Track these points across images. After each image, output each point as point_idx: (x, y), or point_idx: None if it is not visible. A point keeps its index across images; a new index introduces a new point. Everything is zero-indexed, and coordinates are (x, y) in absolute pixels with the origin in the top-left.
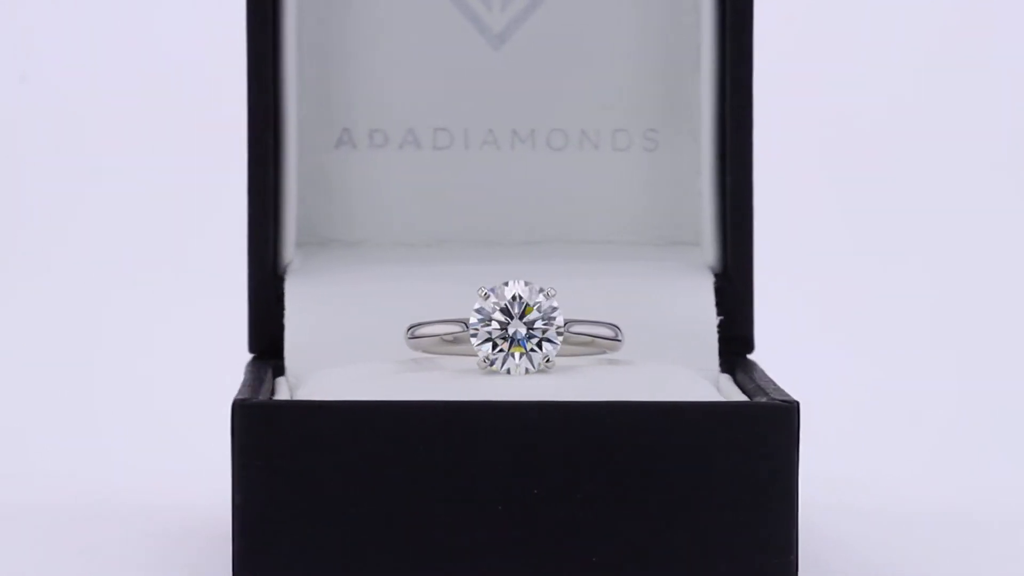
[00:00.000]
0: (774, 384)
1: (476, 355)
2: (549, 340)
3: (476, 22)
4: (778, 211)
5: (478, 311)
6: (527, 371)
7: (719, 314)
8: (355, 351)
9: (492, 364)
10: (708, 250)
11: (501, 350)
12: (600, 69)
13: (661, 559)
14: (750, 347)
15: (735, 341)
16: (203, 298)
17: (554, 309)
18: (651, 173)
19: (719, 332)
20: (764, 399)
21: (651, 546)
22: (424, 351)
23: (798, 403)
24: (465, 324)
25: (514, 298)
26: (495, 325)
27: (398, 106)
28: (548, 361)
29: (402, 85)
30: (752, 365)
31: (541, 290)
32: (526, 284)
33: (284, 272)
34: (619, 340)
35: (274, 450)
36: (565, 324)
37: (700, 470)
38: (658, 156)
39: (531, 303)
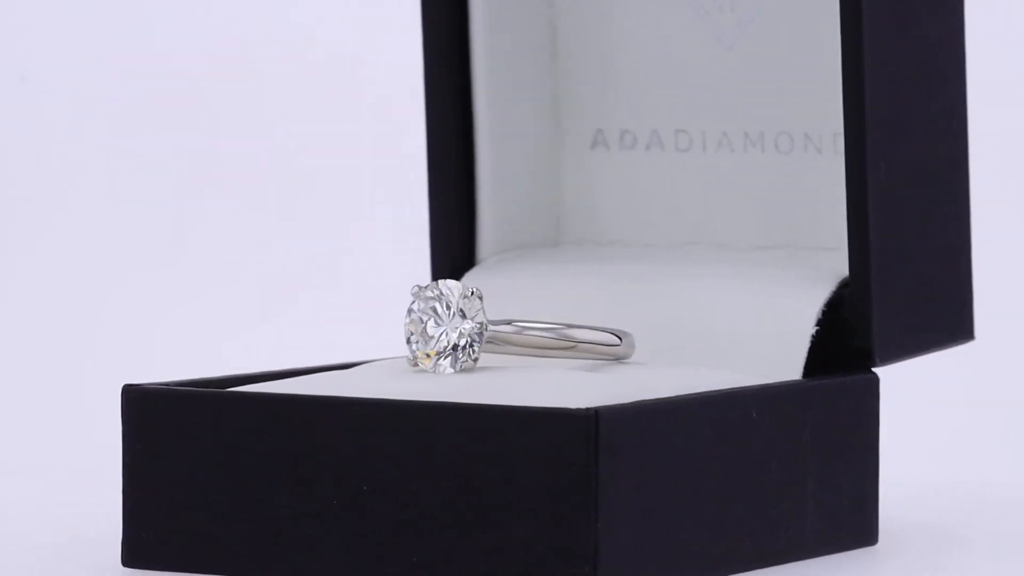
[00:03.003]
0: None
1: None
2: (472, 340)
3: (710, 23)
4: None
5: (408, 312)
6: (450, 370)
7: (832, 324)
8: None
9: (418, 363)
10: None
11: (427, 352)
12: (821, 70)
13: (468, 563)
14: (871, 360)
15: (858, 353)
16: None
17: (479, 311)
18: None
19: (843, 343)
20: (570, 408)
21: (459, 549)
22: None
23: (596, 412)
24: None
25: (441, 297)
26: (426, 325)
27: (644, 107)
28: (473, 360)
29: (647, 86)
30: (853, 377)
31: (468, 291)
32: (455, 285)
33: (470, 270)
34: (614, 345)
35: (157, 435)
36: (488, 325)
37: (506, 474)
38: None
39: (458, 304)
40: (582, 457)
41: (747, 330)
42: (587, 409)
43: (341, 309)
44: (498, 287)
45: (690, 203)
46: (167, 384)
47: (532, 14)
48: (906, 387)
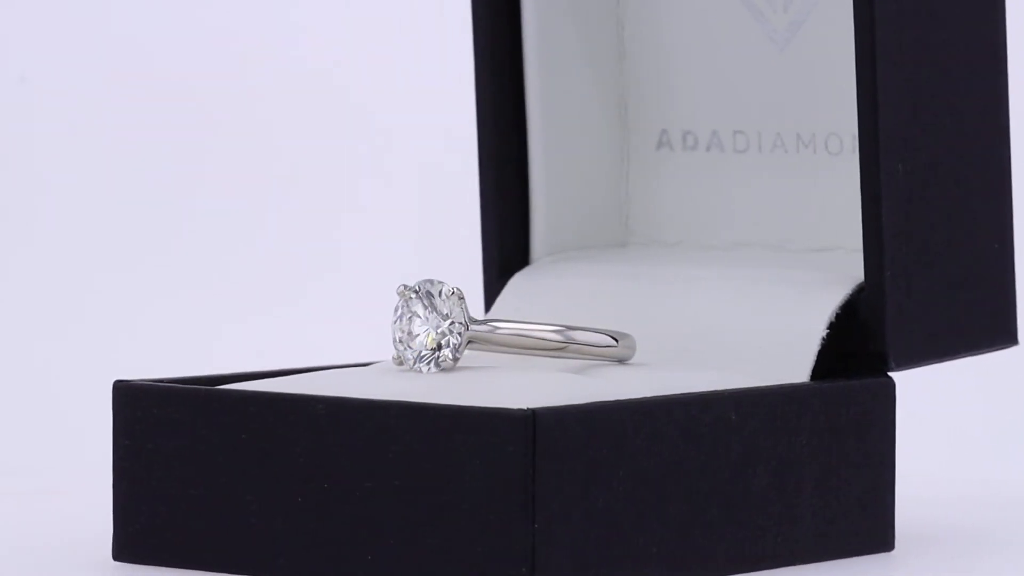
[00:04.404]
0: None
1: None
2: (452, 340)
3: (764, 24)
4: None
5: (394, 311)
6: (434, 369)
7: (850, 328)
8: None
9: (403, 363)
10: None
11: (411, 349)
12: None
13: (415, 561)
14: (886, 364)
15: (874, 358)
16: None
17: (460, 311)
18: None
19: (859, 347)
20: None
21: (406, 548)
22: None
23: (534, 412)
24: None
25: (424, 296)
26: (410, 324)
27: (703, 108)
28: (453, 360)
29: (705, 87)
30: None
31: (450, 291)
32: (439, 284)
33: (521, 269)
34: (609, 347)
35: (148, 430)
36: (469, 325)
37: (448, 474)
38: None
39: (440, 304)
40: (519, 458)
41: (761, 333)
42: (525, 410)
43: (335, 309)
44: (536, 287)
45: (745, 205)
46: (158, 380)
47: (600, 10)
48: (940, 390)
